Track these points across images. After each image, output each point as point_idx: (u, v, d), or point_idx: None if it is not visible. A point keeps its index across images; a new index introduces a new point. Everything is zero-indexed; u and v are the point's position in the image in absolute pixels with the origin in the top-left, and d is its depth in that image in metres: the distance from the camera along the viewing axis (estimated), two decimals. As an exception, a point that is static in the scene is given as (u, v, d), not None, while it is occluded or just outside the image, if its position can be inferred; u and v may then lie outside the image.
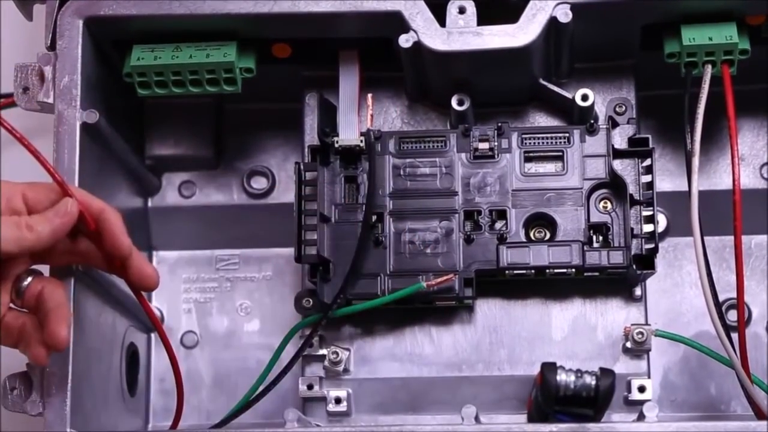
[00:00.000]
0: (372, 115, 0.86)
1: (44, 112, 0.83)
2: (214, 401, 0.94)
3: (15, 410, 0.80)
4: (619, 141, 0.85)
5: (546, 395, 0.78)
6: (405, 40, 0.82)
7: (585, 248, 0.83)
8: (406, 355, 0.87)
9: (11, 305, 0.75)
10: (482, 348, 0.87)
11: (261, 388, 0.84)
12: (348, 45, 0.86)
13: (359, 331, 0.88)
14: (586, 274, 0.84)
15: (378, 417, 0.88)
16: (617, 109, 0.87)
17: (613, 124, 0.85)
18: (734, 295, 0.82)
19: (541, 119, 0.89)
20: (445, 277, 0.82)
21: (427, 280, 0.83)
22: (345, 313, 0.83)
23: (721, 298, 0.85)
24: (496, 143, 0.85)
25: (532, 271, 0.84)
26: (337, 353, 0.86)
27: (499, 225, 0.85)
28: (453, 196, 0.85)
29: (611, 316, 0.87)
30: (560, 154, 0.85)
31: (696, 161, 0.79)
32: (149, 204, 0.95)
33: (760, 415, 0.79)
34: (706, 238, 0.79)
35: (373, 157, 0.84)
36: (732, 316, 0.89)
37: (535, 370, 0.81)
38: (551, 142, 0.86)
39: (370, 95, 0.86)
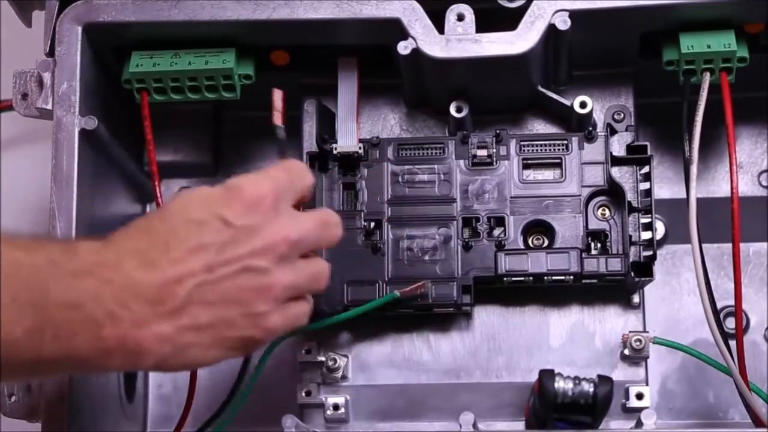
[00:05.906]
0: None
1: (43, 118, 0.83)
2: (210, 408, 0.94)
3: (13, 416, 0.79)
4: (618, 148, 0.85)
5: (544, 402, 0.78)
6: (404, 47, 0.82)
7: (583, 255, 0.83)
8: (404, 362, 0.87)
9: None
10: (480, 355, 0.87)
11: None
12: (347, 52, 0.86)
13: (357, 337, 0.88)
14: (584, 281, 0.84)
15: (376, 424, 0.88)
16: (616, 116, 0.87)
17: (612, 131, 0.85)
18: (732, 302, 0.82)
19: (540, 126, 0.89)
20: (418, 284, 0.83)
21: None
22: (315, 327, 0.83)
23: (719, 305, 0.84)
24: (494, 150, 0.85)
25: (530, 278, 0.84)
26: (335, 360, 0.86)
27: (497, 232, 0.85)
28: (451, 203, 0.85)
29: (609, 324, 0.87)
30: (558, 161, 0.85)
31: (694, 169, 0.79)
32: (147, 210, 0.95)
33: (758, 422, 0.79)
34: (704, 246, 0.79)
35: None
36: (730, 323, 0.89)
37: (533, 377, 0.81)
38: (549, 150, 0.86)
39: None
